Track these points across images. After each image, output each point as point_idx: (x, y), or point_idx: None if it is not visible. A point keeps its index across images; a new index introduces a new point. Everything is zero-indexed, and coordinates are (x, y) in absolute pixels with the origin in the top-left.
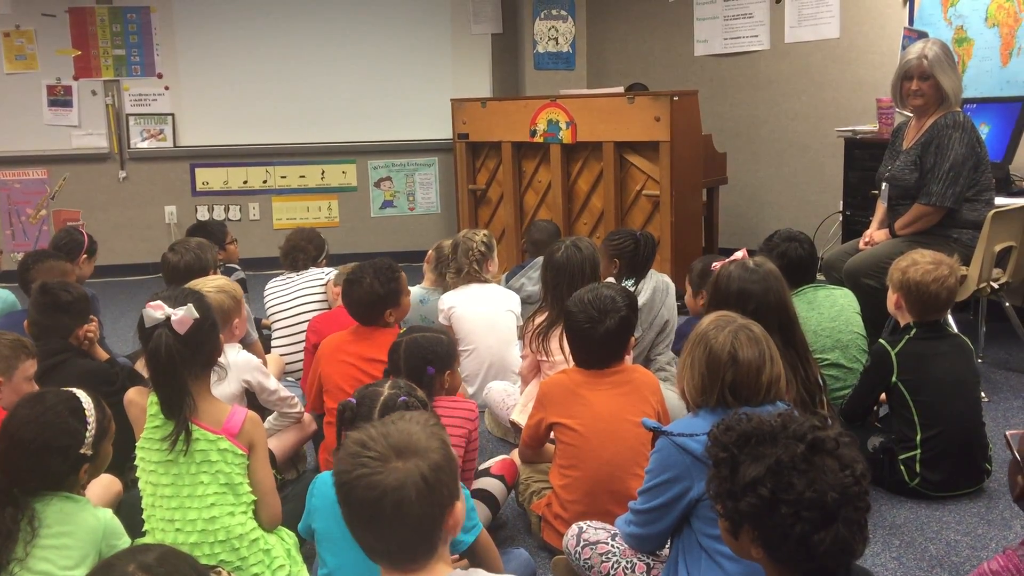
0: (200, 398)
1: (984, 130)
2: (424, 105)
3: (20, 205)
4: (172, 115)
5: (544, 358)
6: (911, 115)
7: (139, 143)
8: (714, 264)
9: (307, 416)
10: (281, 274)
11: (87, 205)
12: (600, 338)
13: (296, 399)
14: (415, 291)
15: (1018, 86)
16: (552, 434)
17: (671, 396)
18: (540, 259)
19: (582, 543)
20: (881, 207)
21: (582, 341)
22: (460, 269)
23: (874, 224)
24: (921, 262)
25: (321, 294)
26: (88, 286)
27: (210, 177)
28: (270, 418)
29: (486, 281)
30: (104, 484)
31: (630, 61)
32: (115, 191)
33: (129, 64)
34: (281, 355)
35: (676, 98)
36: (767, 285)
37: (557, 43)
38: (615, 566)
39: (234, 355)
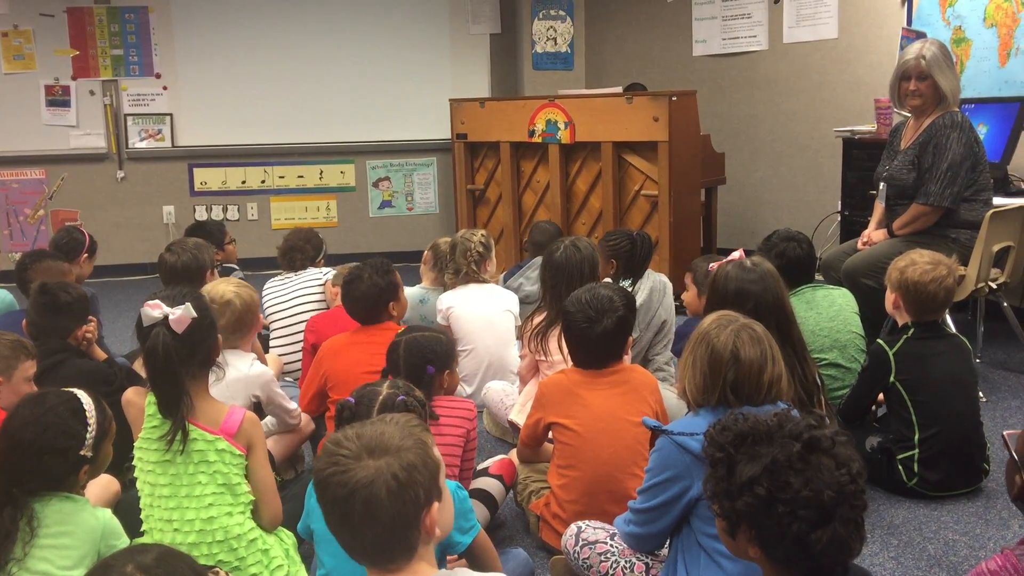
0: (198, 398)
1: (982, 130)
2: (423, 105)
3: (18, 205)
4: (170, 115)
5: (543, 358)
6: (909, 115)
7: (137, 143)
8: (712, 264)
9: (305, 416)
10: (279, 274)
11: (85, 205)
12: (598, 338)
13: (299, 412)
14: (415, 291)
15: (1016, 86)
16: (550, 434)
17: (669, 396)
18: (538, 259)
19: (581, 543)
20: (879, 207)
21: (580, 341)
22: (458, 270)
23: (872, 224)
24: (919, 262)
25: (319, 294)
26: (87, 286)
27: (208, 177)
28: (266, 420)
29: (484, 281)
30: (102, 484)
31: (628, 61)
32: (113, 191)
33: (127, 64)
34: (279, 355)
35: (674, 98)
36: (765, 285)
37: (556, 43)
38: (614, 566)
39: (247, 367)
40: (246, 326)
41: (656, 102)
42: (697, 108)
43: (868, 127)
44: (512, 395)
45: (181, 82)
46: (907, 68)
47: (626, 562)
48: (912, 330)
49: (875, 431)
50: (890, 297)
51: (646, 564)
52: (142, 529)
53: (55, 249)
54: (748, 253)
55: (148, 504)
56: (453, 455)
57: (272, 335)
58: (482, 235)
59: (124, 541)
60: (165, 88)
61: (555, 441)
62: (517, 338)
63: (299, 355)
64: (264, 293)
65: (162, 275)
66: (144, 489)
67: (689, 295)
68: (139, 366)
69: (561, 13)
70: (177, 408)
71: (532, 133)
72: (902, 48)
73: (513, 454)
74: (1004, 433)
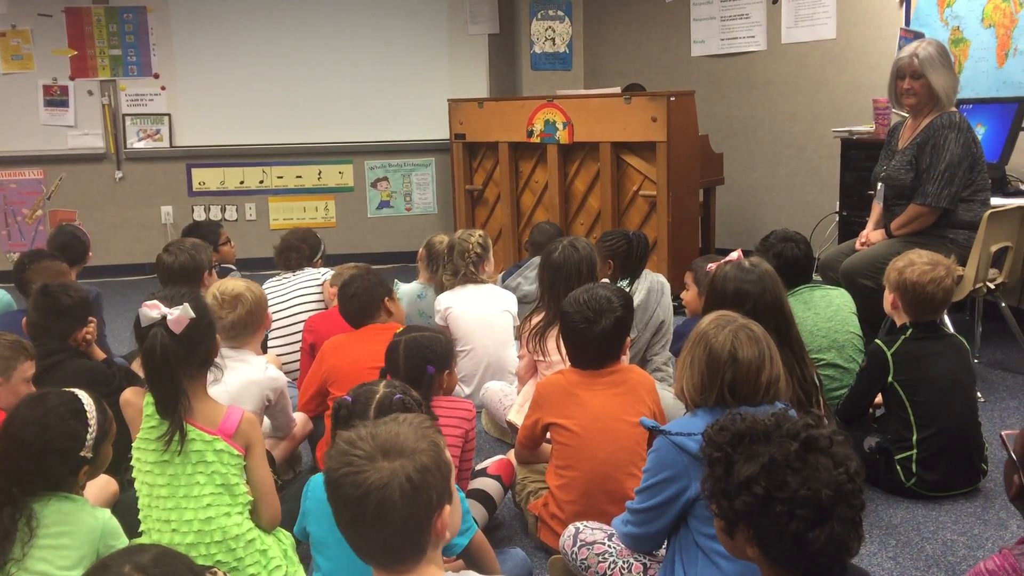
0: (196, 398)
1: (980, 130)
2: (421, 105)
3: (16, 205)
4: (168, 115)
5: (541, 358)
6: (907, 115)
7: (135, 143)
8: (710, 265)
9: (303, 416)
10: (277, 275)
11: (83, 205)
12: (596, 338)
13: (296, 423)
14: (412, 286)
15: (1014, 87)
16: (548, 434)
17: (667, 396)
18: (536, 258)
19: (579, 543)
20: (877, 207)
21: (578, 341)
22: (456, 271)
23: (870, 224)
24: (918, 262)
25: (317, 294)
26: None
27: (206, 177)
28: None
29: (482, 282)
30: (100, 484)
31: (627, 61)
32: (111, 191)
33: (125, 64)
34: (278, 355)
35: (673, 98)
36: (763, 285)
37: (554, 43)
38: (612, 566)
39: (262, 370)
40: (257, 321)
41: (654, 102)
42: (695, 108)
43: (866, 127)
44: (511, 395)
45: (179, 82)
46: (901, 66)
47: (624, 562)
48: (910, 330)
49: (873, 431)
50: (888, 297)
51: (644, 564)
52: (140, 529)
53: (56, 249)
54: (747, 253)
55: (146, 504)
56: (452, 455)
57: (270, 335)
58: (480, 235)
59: (123, 541)
60: (163, 88)
61: (553, 441)
62: (515, 338)
63: (297, 356)
64: None
65: (160, 275)
66: (142, 489)
67: (689, 295)
68: (138, 366)
69: (559, 13)
70: (175, 408)
71: (530, 133)
72: (900, 48)
73: (511, 454)
74: (1002, 433)
